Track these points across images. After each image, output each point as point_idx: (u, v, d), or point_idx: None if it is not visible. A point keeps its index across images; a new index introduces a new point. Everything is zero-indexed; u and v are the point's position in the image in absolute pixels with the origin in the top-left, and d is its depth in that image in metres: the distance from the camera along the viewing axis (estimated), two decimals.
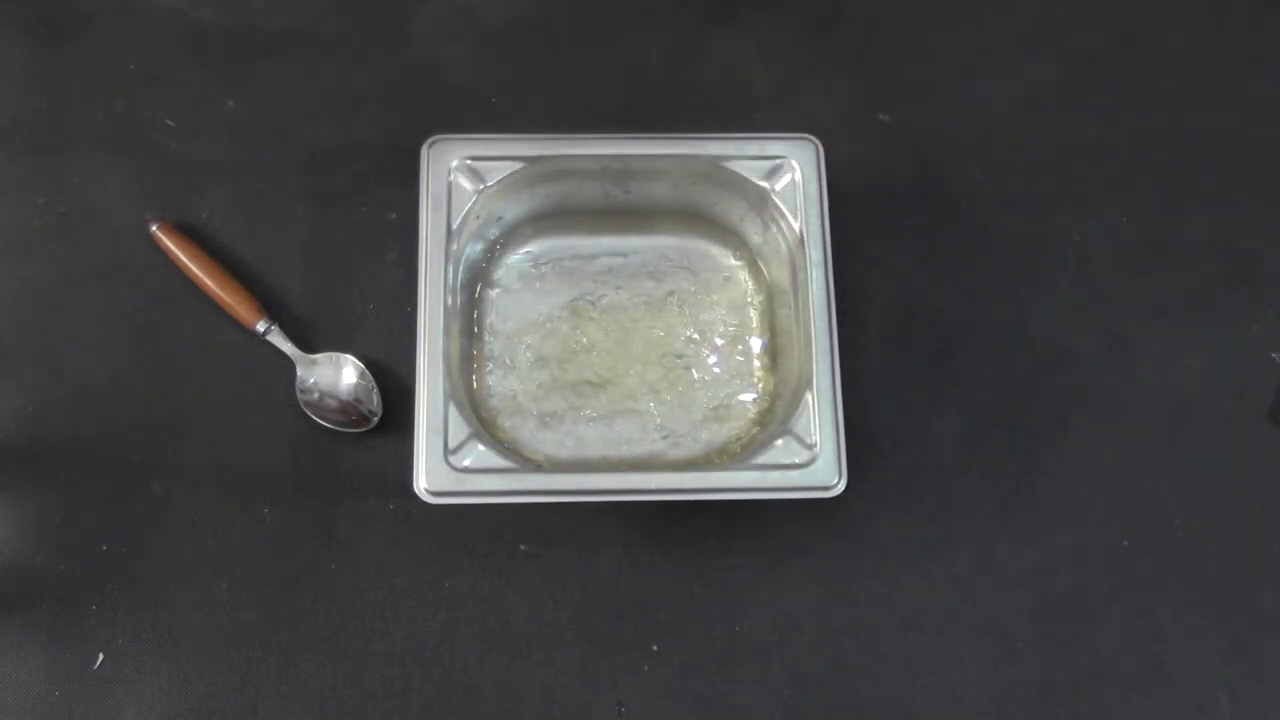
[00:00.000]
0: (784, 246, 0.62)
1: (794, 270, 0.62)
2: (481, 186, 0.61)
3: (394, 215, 0.67)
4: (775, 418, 0.61)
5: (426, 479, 0.56)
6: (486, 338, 0.64)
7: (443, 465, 0.57)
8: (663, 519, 0.63)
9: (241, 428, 0.63)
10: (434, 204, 0.61)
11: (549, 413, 0.63)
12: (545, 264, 0.65)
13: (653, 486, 0.58)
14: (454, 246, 0.61)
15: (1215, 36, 0.74)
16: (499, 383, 0.63)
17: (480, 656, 0.61)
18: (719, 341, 0.65)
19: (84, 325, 0.65)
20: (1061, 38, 0.72)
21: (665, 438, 0.63)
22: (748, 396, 0.64)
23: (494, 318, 0.64)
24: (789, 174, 0.62)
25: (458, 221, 0.61)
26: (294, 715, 0.60)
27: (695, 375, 0.64)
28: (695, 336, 0.65)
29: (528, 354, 0.64)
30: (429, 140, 0.62)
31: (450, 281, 0.60)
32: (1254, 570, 0.64)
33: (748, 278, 0.66)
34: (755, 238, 0.65)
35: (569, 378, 0.64)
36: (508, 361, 0.64)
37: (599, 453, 0.62)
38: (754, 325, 0.65)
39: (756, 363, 0.64)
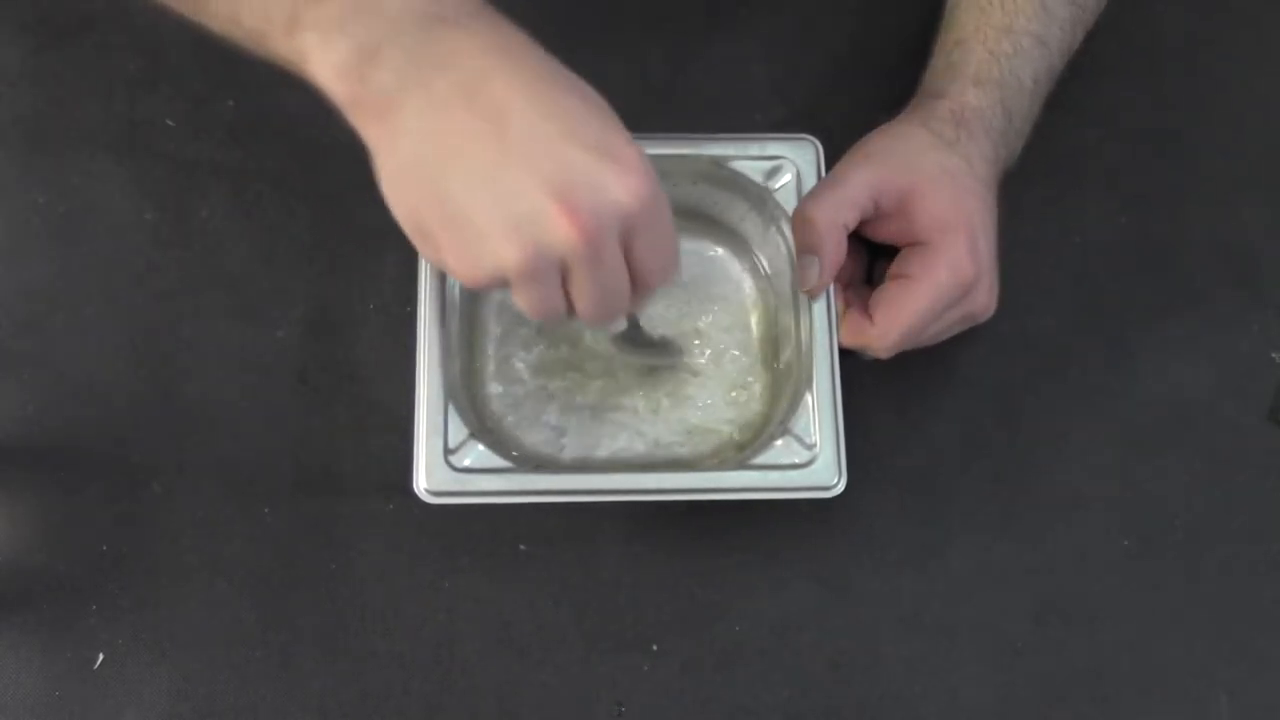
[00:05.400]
0: (784, 246, 0.62)
1: (794, 270, 0.62)
2: None
3: None
4: (775, 418, 0.61)
5: (426, 479, 0.56)
6: (486, 338, 0.64)
7: (443, 465, 0.57)
8: (663, 519, 0.63)
9: (241, 428, 0.63)
10: None
11: (549, 413, 0.63)
12: None
13: (653, 486, 0.58)
14: None
15: (1215, 36, 0.74)
16: (499, 382, 0.63)
17: (480, 656, 0.61)
18: (718, 342, 0.65)
19: (84, 325, 0.65)
20: None
21: (664, 438, 0.63)
22: (747, 397, 0.64)
23: (494, 318, 0.64)
24: (789, 174, 0.62)
25: None
26: (294, 715, 0.60)
27: (694, 375, 0.64)
28: (695, 338, 0.65)
29: (527, 354, 0.64)
30: None
31: (450, 281, 0.60)
32: (1254, 570, 0.64)
33: (748, 278, 0.66)
34: (755, 238, 0.65)
35: (569, 377, 0.64)
36: (507, 361, 0.64)
37: (598, 453, 0.62)
38: (754, 326, 0.65)
39: (757, 367, 0.64)
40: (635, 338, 0.61)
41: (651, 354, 0.63)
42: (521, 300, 0.48)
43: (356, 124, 0.48)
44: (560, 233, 0.44)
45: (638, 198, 0.45)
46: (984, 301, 0.60)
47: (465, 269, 0.47)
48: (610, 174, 0.45)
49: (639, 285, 0.49)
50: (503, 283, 0.47)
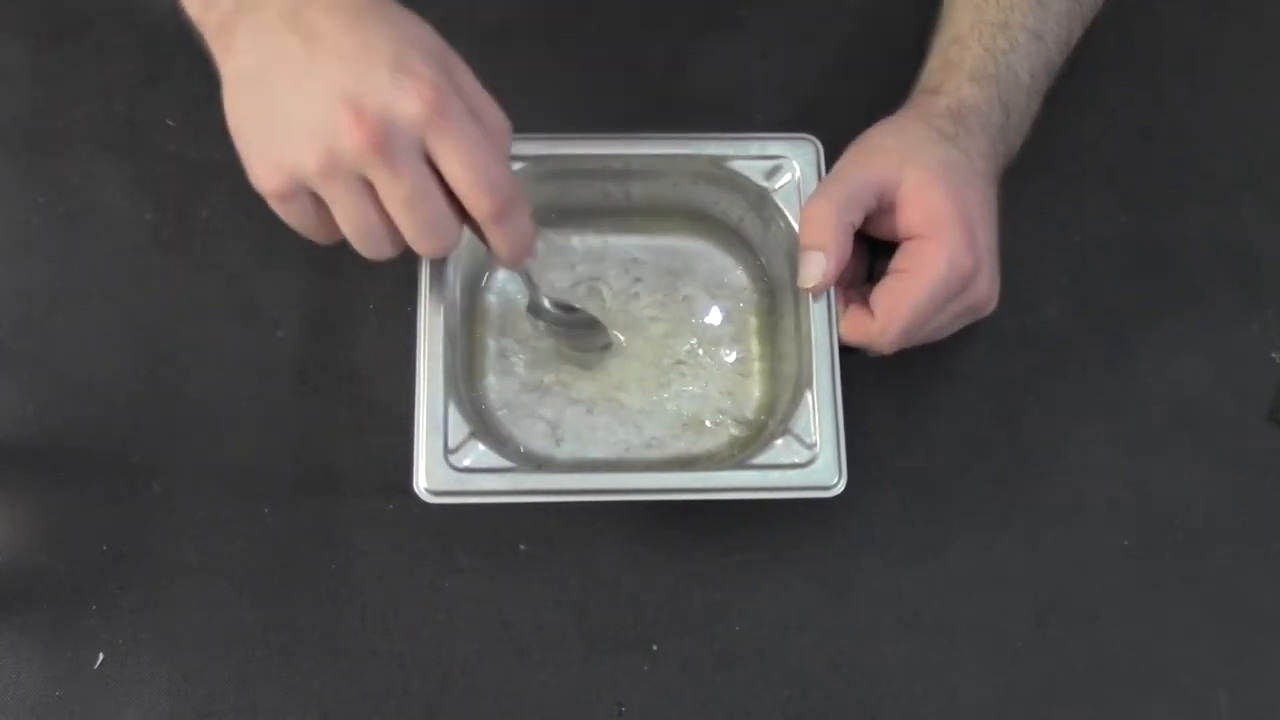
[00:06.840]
0: (784, 246, 0.62)
1: (794, 270, 0.62)
2: None
3: None
4: (775, 417, 0.61)
5: (426, 479, 0.56)
6: (486, 337, 0.64)
7: (443, 465, 0.57)
8: (663, 519, 0.63)
9: (241, 428, 0.63)
10: None
11: (548, 413, 0.63)
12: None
13: (652, 486, 0.58)
14: None
15: (1215, 36, 0.74)
16: (499, 382, 0.63)
17: (480, 656, 0.61)
18: (718, 342, 0.65)
19: (84, 325, 0.65)
20: None
21: (663, 438, 0.63)
22: (745, 397, 0.64)
23: (494, 317, 0.64)
24: (789, 174, 0.62)
25: None
26: (294, 715, 0.60)
27: (693, 375, 0.64)
28: (694, 337, 0.65)
29: (527, 354, 0.64)
30: None
31: (450, 281, 0.60)
32: (1254, 570, 0.64)
33: (747, 278, 0.66)
34: (755, 238, 0.65)
35: (568, 378, 0.64)
36: (507, 361, 0.64)
37: (598, 453, 0.62)
38: (753, 326, 0.65)
39: (755, 364, 0.64)
40: (556, 319, 0.62)
41: (577, 335, 0.63)
42: (340, 222, 0.52)
43: (206, 40, 0.54)
44: (349, 137, 0.48)
45: (426, 105, 0.49)
46: (985, 294, 0.60)
47: (269, 171, 0.52)
48: (401, 87, 0.49)
49: (467, 206, 0.52)
50: (305, 192, 0.52)
